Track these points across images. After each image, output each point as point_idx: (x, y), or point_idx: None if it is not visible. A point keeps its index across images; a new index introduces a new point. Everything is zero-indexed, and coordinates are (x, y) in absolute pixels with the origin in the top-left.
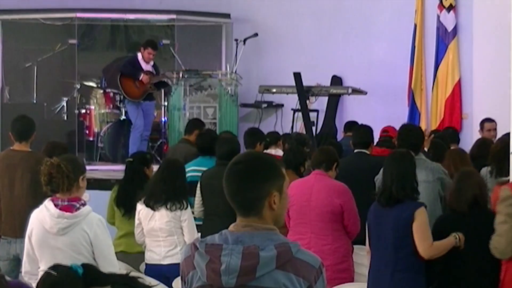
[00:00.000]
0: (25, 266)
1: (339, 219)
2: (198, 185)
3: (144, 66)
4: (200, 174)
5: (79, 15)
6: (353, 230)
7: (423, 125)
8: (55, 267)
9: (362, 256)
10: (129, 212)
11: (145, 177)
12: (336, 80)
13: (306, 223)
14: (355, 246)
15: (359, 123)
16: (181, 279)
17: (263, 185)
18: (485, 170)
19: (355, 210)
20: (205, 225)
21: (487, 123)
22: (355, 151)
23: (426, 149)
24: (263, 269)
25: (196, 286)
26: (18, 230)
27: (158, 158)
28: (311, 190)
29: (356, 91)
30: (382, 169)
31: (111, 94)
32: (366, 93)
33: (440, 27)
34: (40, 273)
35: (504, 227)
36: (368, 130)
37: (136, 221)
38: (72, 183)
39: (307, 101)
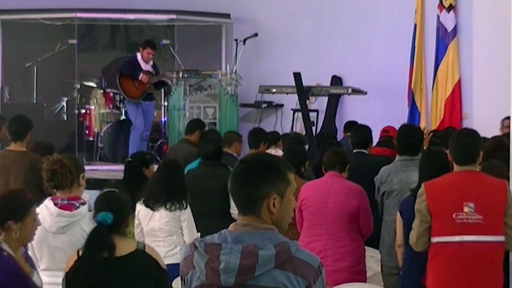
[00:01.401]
0: None
1: (355, 221)
2: None
3: (144, 66)
4: None
5: (79, 15)
6: (367, 231)
7: (423, 125)
8: (110, 195)
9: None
10: None
11: (144, 177)
12: (336, 80)
13: (323, 224)
14: None
15: (359, 123)
16: (181, 279)
17: (262, 186)
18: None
19: (370, 211)
20: (197, 225)
21: (507, 120)
22: (354, 151)
23: (425, 148)
24: (262, 268)
25: (196, 286)
26: None
27: (158, 158)
28: (328, 192)
29: (356, 91)
30: (382, 169)
31: (111, 94)
32: (366, 93)
33: (440, 27)
34: (41, 273)
35: (415, 222)
36: (366, 130)
37: (136, 221)
38: (74, 178)
39: (307, 101)
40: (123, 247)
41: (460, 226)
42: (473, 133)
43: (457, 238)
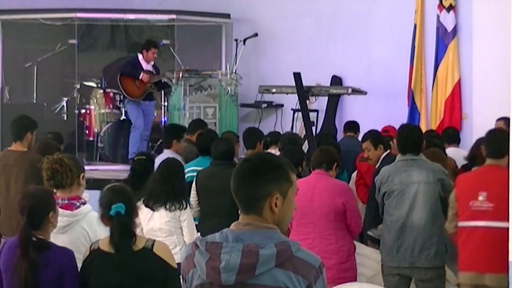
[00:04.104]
0: None
1: (342, 218)
2: (193, 185)
3: (145, 66)
4: None
5: (79, 15)
6: (355, 228)
7: (423, 125)
8: (118, 188)
9: (361, 256)
10: None
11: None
12: (336, 80)
13: (309, 223)
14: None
15: (359, 123)
16: (182, 278)
17: (265, 185)
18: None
19: (357, 208)
20: (203, 224)
21: (497, 121)
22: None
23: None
24: (263, 267)
25: (196, 284)
26: (16, 229)
27: None
28: (313, 190)
29: (356, 91)
30: (382, 169)
31: (111, 94)
32: (366, 93)
33: (440, 27)
34: None
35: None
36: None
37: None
38: (75, 178)
39: (307, 101)
40: (136, 242)
41: (474, 212)
42: (502, 132)
43: (469, 223)
